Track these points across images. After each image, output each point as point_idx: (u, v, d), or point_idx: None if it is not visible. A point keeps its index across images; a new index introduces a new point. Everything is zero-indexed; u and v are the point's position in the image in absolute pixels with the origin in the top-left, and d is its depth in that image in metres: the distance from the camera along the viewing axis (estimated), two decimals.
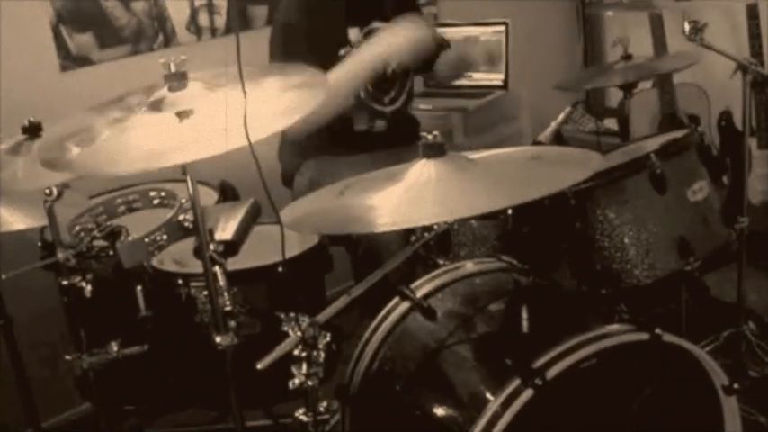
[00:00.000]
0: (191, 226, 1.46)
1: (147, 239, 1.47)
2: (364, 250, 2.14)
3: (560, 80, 2.52)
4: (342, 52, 2.36)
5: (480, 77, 3.29)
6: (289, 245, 1.50)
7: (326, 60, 2.26)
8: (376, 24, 2.42)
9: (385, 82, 2.41)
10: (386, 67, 2.28)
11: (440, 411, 1.52)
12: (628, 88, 2.56)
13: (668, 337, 1.45)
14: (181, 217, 1.48)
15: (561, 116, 2.31)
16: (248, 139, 1.29)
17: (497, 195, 1.47)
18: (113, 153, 1.39)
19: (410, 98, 2.61)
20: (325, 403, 1.51)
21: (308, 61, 2.21)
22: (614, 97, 3.77)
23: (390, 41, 2.26)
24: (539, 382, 1.34)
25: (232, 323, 1.49)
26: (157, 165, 1.31)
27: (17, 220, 1.88)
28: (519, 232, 1.95)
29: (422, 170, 1.51)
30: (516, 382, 1.36)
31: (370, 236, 2.09)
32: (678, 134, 2.17)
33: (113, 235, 1.63)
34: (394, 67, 2.32)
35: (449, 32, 3.31)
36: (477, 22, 3.31)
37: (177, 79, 1.43)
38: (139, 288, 1.95)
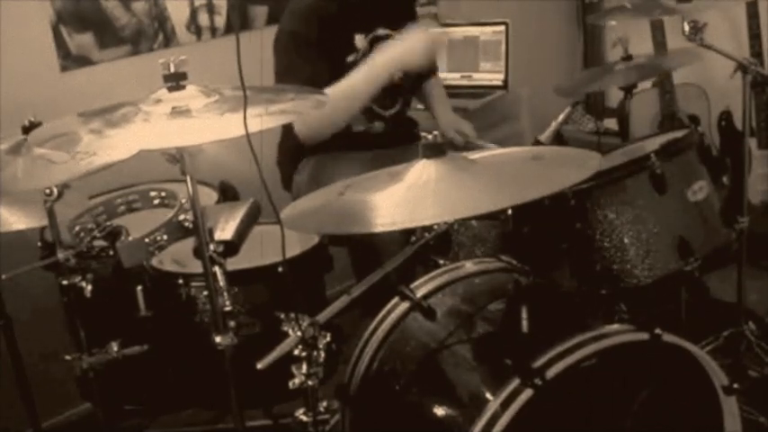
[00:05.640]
0: (191, 226, 1.46)
1: (147, 239, 1.47)
2: (364, 250, 2.14)
3: (560, 84, 2.51)
4: (350, 59, 2.36)
5: (480, 77, 3.29)
6: (289, 245, 1.50)
7: (335, 67, 2.27)
8: (381, 31, 2.42)
9: (391, 88, 2.41)
10: (396, 74, 2.28)
11: (440, 411, 1.52)
12: (628, 88, 2.56)
13: (668, 337, 1.45)
14: (181, 217, 1.48)
15: (561, 116, 2.30)
16: (248, 140, 1.29)
17: (497, 195, 1.47)
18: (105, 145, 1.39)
19: (409, 101, 2.61)
20: (325, 403, 1.51)
21: (318, 68, 2.24)
22: (614, 97, 3.76)
23: (400, 50, 2.25)
24: (538, 381, 1.34)
25: (232, 323, 1.49)
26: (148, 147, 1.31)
27: (17, 220, 1.88)
28: (519, 232, 1.95)
29: (422, 170, 1.51)
30: (516, 382, 1.36)
31: (370, 236, 2.09)
32: (678, 134, 2.16)
33: (113, 235, 1.63)
34: (401, 75, 2.33)
35: (449, 33, 3.32)
36: (478, 22, 3.32)
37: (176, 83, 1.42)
38: (139, 288, 1.95)
